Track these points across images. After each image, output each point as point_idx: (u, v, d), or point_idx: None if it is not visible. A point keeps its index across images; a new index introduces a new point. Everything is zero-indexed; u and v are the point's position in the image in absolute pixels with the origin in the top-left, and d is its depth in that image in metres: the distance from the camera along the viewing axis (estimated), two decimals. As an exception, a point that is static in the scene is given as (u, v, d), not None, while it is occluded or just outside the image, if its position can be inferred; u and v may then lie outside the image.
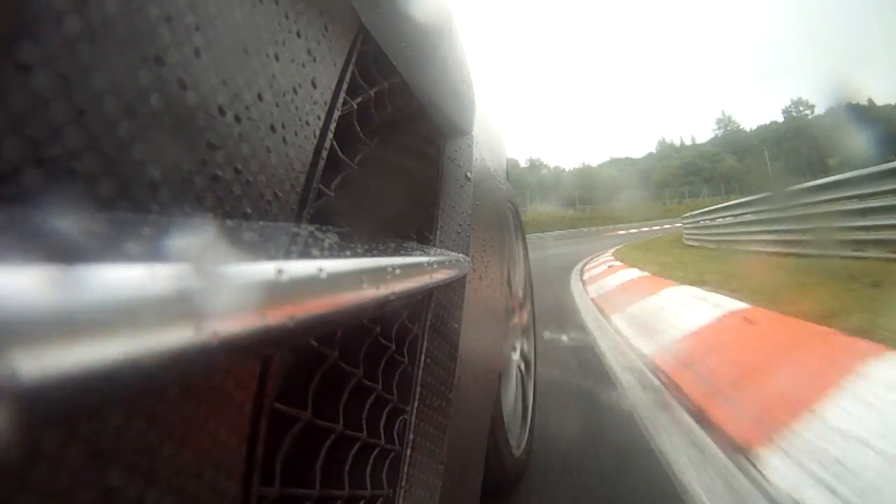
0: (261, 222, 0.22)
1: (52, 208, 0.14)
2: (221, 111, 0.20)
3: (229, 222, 0.20)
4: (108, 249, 0.13)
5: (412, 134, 0.51)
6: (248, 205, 0.22)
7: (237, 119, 0.21)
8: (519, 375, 1.13)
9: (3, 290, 0.10)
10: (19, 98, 0.13)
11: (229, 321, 0.15)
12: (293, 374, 0.32)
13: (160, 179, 0.17)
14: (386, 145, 0.44)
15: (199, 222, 0.18)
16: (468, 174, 0.64)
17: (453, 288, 0.52)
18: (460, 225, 0.57)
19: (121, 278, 0.12)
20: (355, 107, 0.36)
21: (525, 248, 1.31)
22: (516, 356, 1.13)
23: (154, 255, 0.14)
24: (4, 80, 0.13)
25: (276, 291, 0.17)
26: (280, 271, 0.17)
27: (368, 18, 0.36)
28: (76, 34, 0.15)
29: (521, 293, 1.22)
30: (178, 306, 0.13)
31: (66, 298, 0.11)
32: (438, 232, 0.53)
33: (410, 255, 0.34)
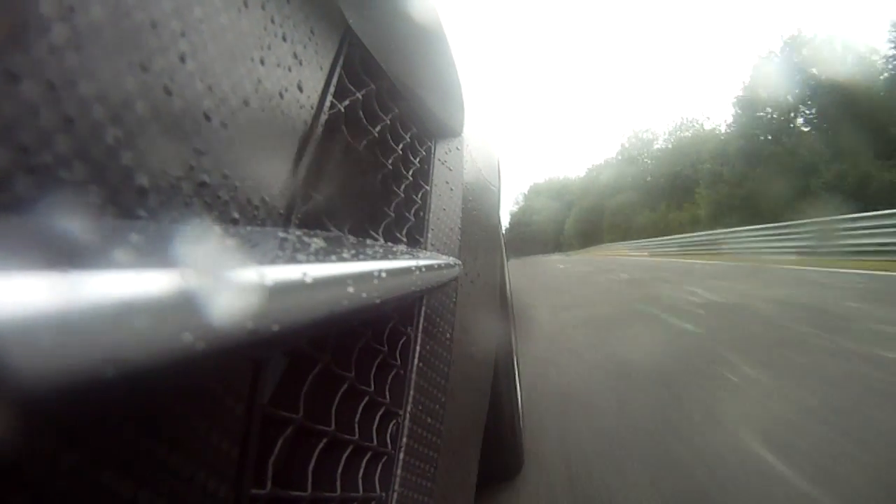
0: (248, 227, 0.22)
1: (40, 215, 0.14)
2: (207, 117, 0.21)
3: (217, 227, 0.20)
4: (96, 255, 0.13)
5: (401, 136, 0.51)
6: (235, 210, 0.22)
7: (224, 125, 0.21)
8: (516, 376, 1.14)
9: None
10: (6, 106, 0.13)
11: (219, 326, 0.15)
12: (286, 378, 0.32)
13: (147, 186, 0.17)
14: (375, 147, 0.44)
15: (187, 228, 0.18)
16: (459, 176, 0.64)
17: (445, 291, 0.52)
18: (451, 228, 0.58)
19: (109, 284, 0.12)
20: (343, 110, 0.36)
21: (504, 250, 1.37)
22: (512, 357, 1.14)
23: (142, 260, 0.14)
24: None
25: (265, 296, 0.17)
26: (268, 276, 0.17)
27: (356, 21, 0.36)
28: (63, 42, 0.15)
29: (507, 296, 1.24)
30: (167, 311, 0.13)
31: (53, 304, 0.11)
32: (429, 235, 0.53)
33: (401, 258, 0.34)
